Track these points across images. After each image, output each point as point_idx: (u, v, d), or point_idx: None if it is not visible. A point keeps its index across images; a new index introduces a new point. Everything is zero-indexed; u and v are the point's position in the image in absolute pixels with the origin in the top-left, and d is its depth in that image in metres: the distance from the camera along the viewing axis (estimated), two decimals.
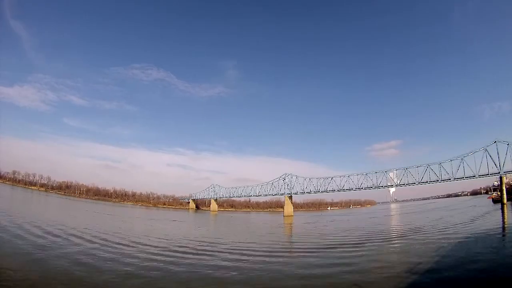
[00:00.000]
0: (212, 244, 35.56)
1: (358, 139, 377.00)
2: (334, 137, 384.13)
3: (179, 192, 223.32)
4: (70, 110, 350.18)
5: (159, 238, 39.23)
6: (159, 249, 30.45)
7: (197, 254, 28.69)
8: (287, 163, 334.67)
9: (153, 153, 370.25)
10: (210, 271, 21.81)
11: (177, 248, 31.35)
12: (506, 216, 60.06)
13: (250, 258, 27.21)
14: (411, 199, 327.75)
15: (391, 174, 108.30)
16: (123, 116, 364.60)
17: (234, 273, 21.32)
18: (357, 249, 31.61)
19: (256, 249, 33.35)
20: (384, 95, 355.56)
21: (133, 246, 30.76)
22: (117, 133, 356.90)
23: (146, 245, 32.32)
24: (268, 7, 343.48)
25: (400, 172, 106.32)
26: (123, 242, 32.81)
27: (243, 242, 39.16)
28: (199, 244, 35.52)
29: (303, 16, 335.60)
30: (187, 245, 33.79)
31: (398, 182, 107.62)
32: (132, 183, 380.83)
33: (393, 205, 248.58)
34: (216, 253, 29.38)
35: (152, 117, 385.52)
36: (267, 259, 26.88)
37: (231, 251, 31.20)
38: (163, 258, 25.59)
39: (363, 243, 35.84)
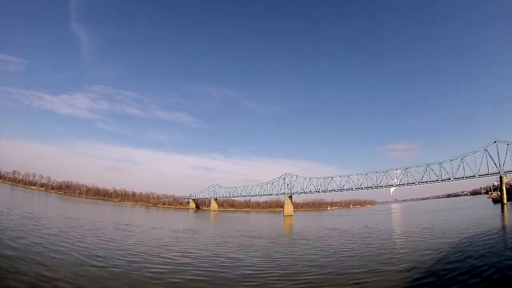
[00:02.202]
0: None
1: (370, 139, 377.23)
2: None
3: (180, 192, 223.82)
4: (118, 118, 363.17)
5: None
6: None
7: None
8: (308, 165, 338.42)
9: (184, 157, 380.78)
10: None
11: None
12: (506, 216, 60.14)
13: None
14: (411, 199, 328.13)
15: (391, 174, 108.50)
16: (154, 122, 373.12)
17: None
18: None
19: None
20: (385, 95, 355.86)
21: None
22: (152, 138, 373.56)
23: None
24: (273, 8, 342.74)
25: (400, 172, 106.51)
26: None
27: None
28: None
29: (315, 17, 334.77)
30: None
31: (398, 182, 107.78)
32: (143, 183, 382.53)
33: (393, 205, 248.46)
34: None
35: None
36: None
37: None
38: None
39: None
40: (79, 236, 33.44)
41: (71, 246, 27.03)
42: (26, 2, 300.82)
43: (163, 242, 35.86)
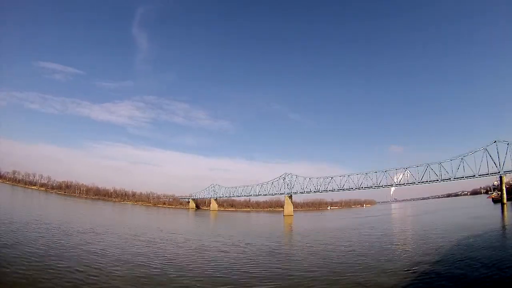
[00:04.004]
0: None
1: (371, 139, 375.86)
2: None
3: (179, 192, 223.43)
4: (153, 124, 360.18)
5: None
6: None
7: None
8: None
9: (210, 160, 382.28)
10: None
11: None
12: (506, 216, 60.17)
13: None
14: (411, 199, 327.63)
15: (391, 174, 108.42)
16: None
17: None
18: None
19: None
20: (385, 95, 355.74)
21: None
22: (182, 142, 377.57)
23: None
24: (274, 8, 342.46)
25: (400, 172, 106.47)
26: None
27: None
28: None
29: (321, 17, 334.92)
30: None
31: (398, 181, 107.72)
32: (144, 182, 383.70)
33: (393, 205, 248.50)
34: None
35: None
36: None
37: None
38: None
39: None
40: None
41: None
42: (93, 7, 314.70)
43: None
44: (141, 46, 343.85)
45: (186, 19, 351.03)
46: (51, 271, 19.44)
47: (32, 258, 22.09)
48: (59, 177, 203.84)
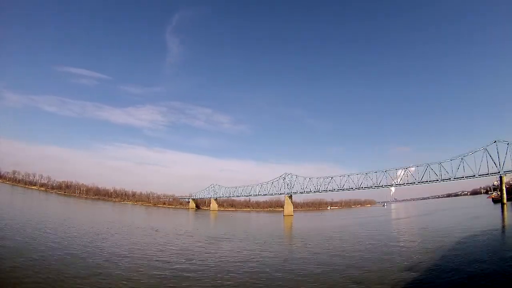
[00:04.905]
0: None
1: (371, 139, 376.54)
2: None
3: (179, 192, 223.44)
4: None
5: None
6: None
7: None
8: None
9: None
10: None
11: None
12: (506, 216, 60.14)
13: None
14: (411, 199, 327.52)
15: (391, 174, 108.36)
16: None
17: None
18: None
19: None
20: (385, 95, 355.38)
21: None
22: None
23: None
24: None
25: (400, 172, 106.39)
26: None
27: None
28: None
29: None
30: None
31: (398, 181, 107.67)
32: (163, 181, 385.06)
33: (393, 205, 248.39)
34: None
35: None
36: None
37: None
38: None
39: None
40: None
41: None
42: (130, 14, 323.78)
43: None
44: (172, 51, 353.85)
45: (218, 25, 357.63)
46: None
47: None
48: (61, 177, 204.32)
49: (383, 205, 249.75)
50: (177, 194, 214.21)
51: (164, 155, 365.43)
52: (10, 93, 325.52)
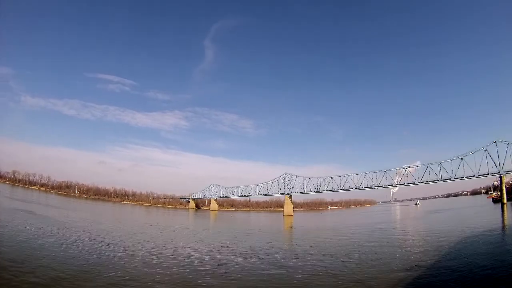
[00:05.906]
0: None
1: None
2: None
3: (179, 191, 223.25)
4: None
5: None
6: None
7: None
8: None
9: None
10: None
11: None
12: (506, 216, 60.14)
13: None
14: (411, 199, 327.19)
15: (391, 174, 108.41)
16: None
17: None
18: None
19: None
20: (386, 95, 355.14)
21: None
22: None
23: None
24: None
25: (400, 172, 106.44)
26: None
27: None
28: None
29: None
30: None
31: (398, 181, 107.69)
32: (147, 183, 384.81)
33: (393, 205, 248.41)
34: None
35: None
36: None
37: None
38: None
39: None
40: None
41: None
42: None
43: None
44: (207, 59, 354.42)
45: (254, 34, 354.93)
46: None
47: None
48: (62, 177, 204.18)
49: (388, 203, 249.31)
50: (177, 194, 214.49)
51: (175, 157, 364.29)
52: (28, 96, 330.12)
